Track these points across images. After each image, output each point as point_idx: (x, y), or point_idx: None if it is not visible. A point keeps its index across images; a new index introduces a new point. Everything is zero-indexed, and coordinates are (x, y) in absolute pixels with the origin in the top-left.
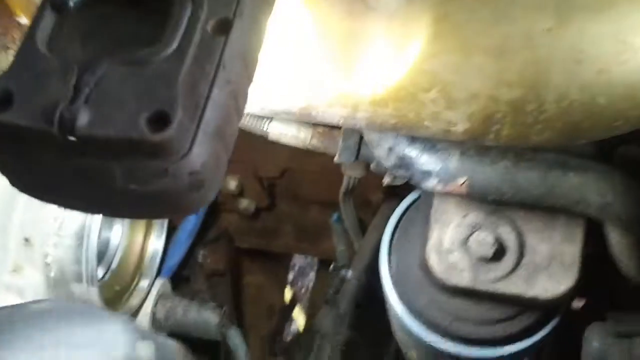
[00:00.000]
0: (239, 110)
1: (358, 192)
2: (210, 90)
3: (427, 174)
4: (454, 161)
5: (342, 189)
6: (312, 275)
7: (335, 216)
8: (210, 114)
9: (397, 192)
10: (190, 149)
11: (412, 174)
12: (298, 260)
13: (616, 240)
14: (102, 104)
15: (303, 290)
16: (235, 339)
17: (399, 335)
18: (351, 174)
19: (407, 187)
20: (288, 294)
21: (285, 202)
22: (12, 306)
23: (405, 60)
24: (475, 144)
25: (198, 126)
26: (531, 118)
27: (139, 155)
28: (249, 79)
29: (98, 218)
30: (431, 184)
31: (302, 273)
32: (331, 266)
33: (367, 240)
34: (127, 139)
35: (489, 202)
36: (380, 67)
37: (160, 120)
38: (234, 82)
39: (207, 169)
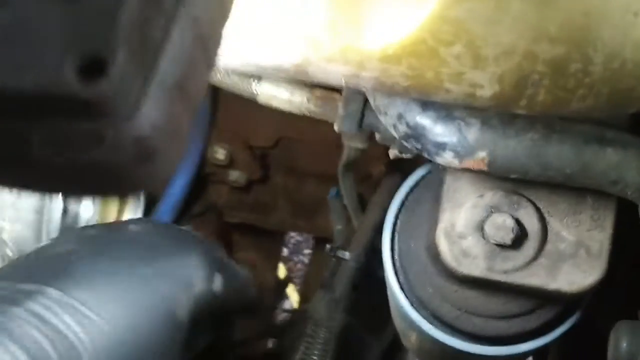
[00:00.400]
0: (208, 59)
1: (358, 164)
2: (168, 30)
3: (442, 146)
4: (473, 132)
5: (342, 161)
6: (307, 251)
7: (333, 191)
8: (168, 63)
9: (401, 166)
10: (137, 107)
11: (424, 145)
12: (293, 235)
13: None
14: (14, 47)
15: (298, 266)
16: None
17: (398, 323)
18: (352, 144)
19: (414, 161)
20: (282, 271)
21: (279, 175)
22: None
23: (423, 6)
24: (500, 113)
25: (149, 77)
26: (573, 81)
27: (64, 116)
28: (223, 17)
29: None
30: (446, 158)
31: (297, 249)
32: (327, 247)
33: (367, 218)
34: (48, 93)
35: (511, 180)
36: (393, 15)
37: (95, 69)
38: (203, 21)
39: (161, 135)
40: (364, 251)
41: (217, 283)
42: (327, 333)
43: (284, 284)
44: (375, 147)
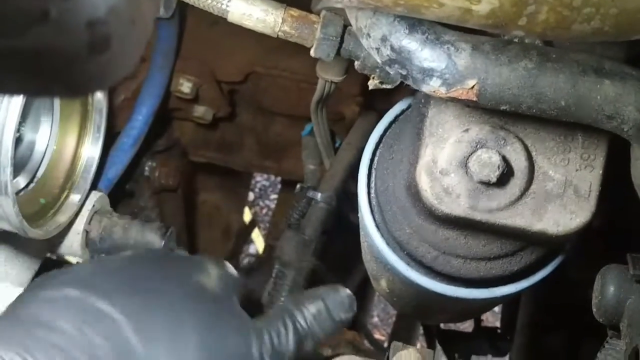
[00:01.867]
0: None
1: (330, 104)
2: None
3: (429, 72)
4: (464, 58)
5: (316, 96)
6: (274, 196)
7: (307, 128)
8: None
9: (375, 106)
10: None
11: (410, 72)
12: (260, 179)
13: None
14: None
15: (264, 211)
16: None
17: (371, 266)
18: (327, 77)
19: (388, 100)
20: (247, 215)
21: (247, 112)
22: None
23: None
24: (494, 37)
25: None
26: None
27: None
28: None
29: (14, 114)
30: (432, 86)
31: (263, 193)
32: (298, 186)
33: (340, 158)
34: None
35: (498, 114)
36: None
37: None
38: None
39: (119, 20)
40: (336, 193)
41: (229, 265)
42: (295, 275)
43: (249, 228)
44: (349, 86)
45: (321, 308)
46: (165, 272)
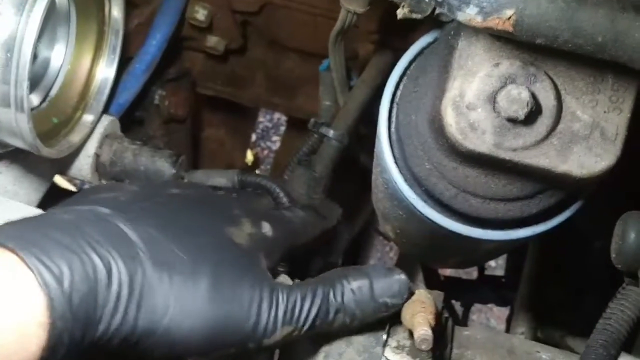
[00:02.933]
0: None
1: (345, 41)
2: None
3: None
4: None
5: (337, 27)
6: (276, 138)
7: (325, 63)
8: None
9: (391, 45)
10: None
11: None
12: (263, 120)
13: None
14: None
15: (265, 152)
16: None
17: (383, 204)
18: (351, 7)
19: (404, 39)
20: (249, 156)
21: (259, 46)
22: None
23: None
24: None
25: None
26: None
27: None
28: None
29: (34, 27)
30: (469, 14)
31: (266, 135)
32: (312, 120)
33: (354, 96)
34: None
35: (529, 50)
36: None
37: None
38: None
39: None
40: (348, 132)
41: (266, 228)
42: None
43: (251, 168)
44: (365, 22)
45: (364, 286)
46: (200, 217)
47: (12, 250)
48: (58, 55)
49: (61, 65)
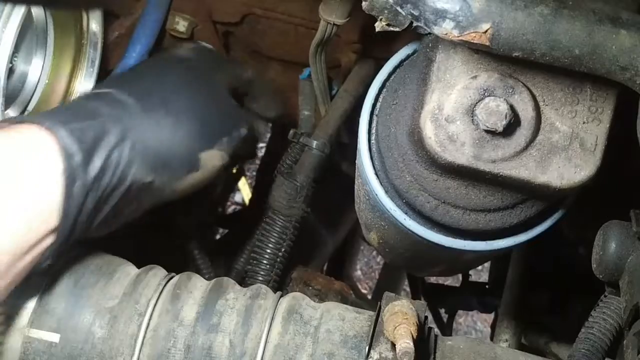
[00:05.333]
0: None
1: (326, 51)
2: None
3: (442, 14)
4: (478, 0)
5: (316, 38)
6: (261, 145)
7: (306, 72)
8: None
9: (372, 54)
10: None
11: (422, 12)
12: None
13: None
14: None
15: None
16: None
17: (365, 215)
18: (331, 18)
19: (386, 48)
20: None
21: (241, 56)
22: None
23: None
24: None
25: None
26: None
27: None
28: None
29: (8, 42)
30: (445, 28)
31: None
32: (291, 131)
33: (336, 106)
34: None
35: (507, 62)
36: None
37: None
38: None
39: None
40: (329, 141)
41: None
42: (285, 221)
43: (235, 176)
44: (347, 31)
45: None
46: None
47: (43, 127)
48: (35, 69)
49: (39, 79)
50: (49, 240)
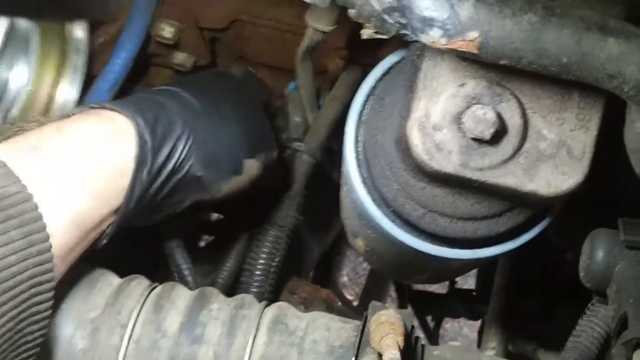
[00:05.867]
0: None
1: (313, 57)
2: None
3: (430, 22)
4: (466, 8)
5: (303, 45)
6: None
7: (291, 86)
8: None
9: (360, 60)
10: None
11: (410, 21)
12: None
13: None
14: None
15: None
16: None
17: (352, 222)
18: (318, 26)
19: (373, 55)
20: None
21: (228, 62)
22: None
23: None
24: None
25: None
26: None
27: None
28: None
29: None
30: (432, 36)
31: None
32: (283, 136)
33: (324, 113)
34: None
35: (494, 69)
36: None
37: None
38: None
39: None
40: (320, 148)
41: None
42: (278, 231)
43: None
44: (334, 38)
45: None
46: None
47: (122, 114)
48: (18, 76)
49: (22, 86)
50: (111, 219)
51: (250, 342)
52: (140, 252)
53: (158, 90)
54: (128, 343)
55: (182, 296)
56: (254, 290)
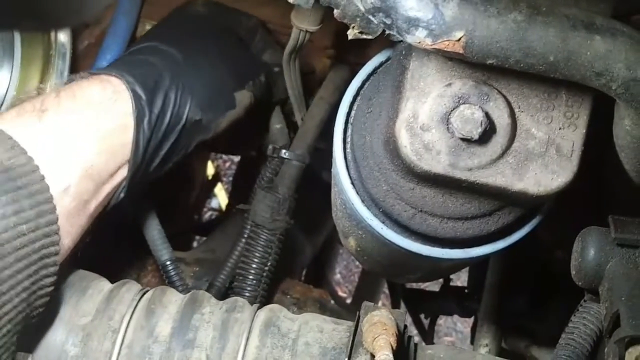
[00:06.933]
0: None
1: (300, 57)
2: None
3: (414, 22)
4: (451, 8)
5: (289, 46)
6: None
7: None
8: None
9: (347, 60)
10: None
11: (394, 21)
12: None
13: (629, 128)
14: None
15: (227, 165)
16: (148, 216)
17: (342, 223)
18: (302, 26)
19: (360, 54)
20: (210, 169)
21: None
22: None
23: None
24: None
25: None
26: None
27: None
28: None
29: None
30: (418, 36)
31: None
32: (269, 147)
33: (312, 114)
34: None
35: (481, 68)
36: None
37: None
38: None
39: None
40: (308, 150)
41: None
42: (269, 235)
43: (212, 182)
44: (320, 37)
45: None
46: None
47: (114, 76)
48: (2, 81)
49: (6, 92)
50: (123, 172)
51: (242, 345)
52: (127, 251)
53: (138, 50)
54: (120, 349)
55: (173, 300)
56: (247, 295)
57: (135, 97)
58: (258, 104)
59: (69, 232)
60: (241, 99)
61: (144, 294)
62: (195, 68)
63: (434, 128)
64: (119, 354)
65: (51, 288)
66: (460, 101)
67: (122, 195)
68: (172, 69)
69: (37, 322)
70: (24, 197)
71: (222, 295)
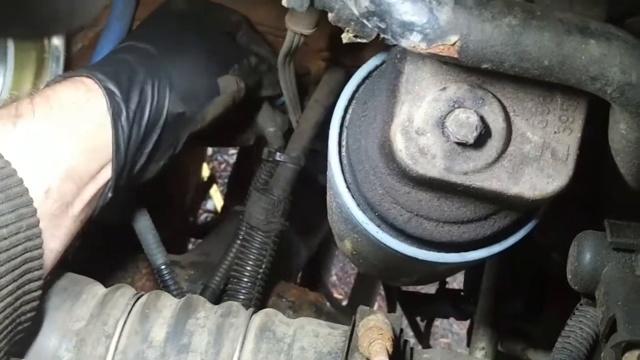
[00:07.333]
0: None
1: (295, 59)
2: None
3: (409, 26)
4: (446, 12)
5: (284, 48)
6: (233, 151)
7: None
8: None
9: (342, 62)
10: None
11: (389, 25)
12: None
13: (625, 132)
14: None
15: (222, 166)
16: (141, 219)
17: (338, 226)
18: (297, 29)
19: (355, 56)
20: (205, 171)
21: None
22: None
23: None
24: None
25: None
26: None
27: None
28: None
29: None
30: (412, 41)
31: (222, 148)
32: (265, 151)
33: (307, 117)
34: None
35: (476, 72)
36: None
37: None
38: None
39: None
40: (304, 153)
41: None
42: (264, 237)
43: (207, 184)
44: (315, 40)
45: None
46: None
47: (85, 76)
48: None
49: (0, 92)
50: (107, 172)
51: (237, 350)
52: (121, 255)
53: (114, 51)
54: (114, 354)
55: (167, 305)
56: (242, 297)
57: (109, 93)
58: (248, 91)
59: (54, 235)
60: (226, 84)
61: (139, 298)
62: (172, 61)
63: (429, 132)
64: (112, 359)
65: (38, 292)
66: (455, 105)
67: (109, 195)
68: (146, 63)
69: (30, 327)
70: (2, 201)
71: (216, 298)
